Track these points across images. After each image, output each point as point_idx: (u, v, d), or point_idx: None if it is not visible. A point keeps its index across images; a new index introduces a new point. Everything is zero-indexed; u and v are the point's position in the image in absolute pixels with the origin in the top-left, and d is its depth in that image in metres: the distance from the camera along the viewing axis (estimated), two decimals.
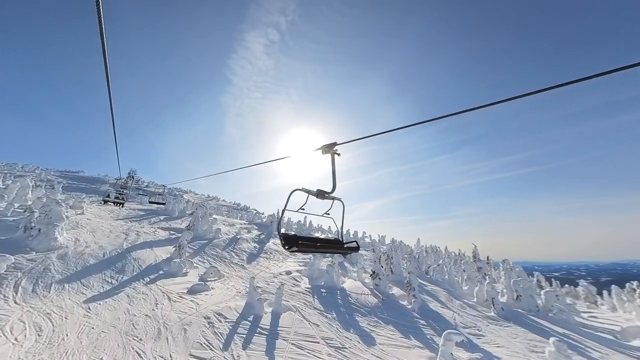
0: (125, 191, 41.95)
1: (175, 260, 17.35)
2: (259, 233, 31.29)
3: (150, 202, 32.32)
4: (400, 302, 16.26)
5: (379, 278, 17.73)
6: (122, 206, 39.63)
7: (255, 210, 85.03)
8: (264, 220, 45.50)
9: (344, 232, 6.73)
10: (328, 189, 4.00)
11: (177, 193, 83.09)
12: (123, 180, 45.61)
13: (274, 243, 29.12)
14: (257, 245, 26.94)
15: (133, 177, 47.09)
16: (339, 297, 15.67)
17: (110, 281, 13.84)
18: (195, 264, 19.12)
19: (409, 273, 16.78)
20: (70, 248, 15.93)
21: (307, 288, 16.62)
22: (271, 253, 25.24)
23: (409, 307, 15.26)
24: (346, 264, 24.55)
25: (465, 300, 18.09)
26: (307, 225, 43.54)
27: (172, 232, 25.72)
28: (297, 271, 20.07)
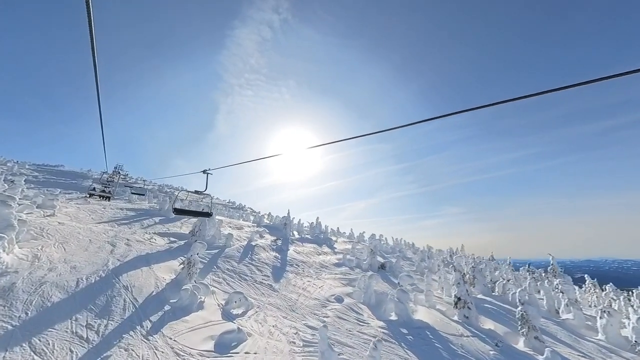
0: (111, 186, 35.31)
1: (186, 287, 11.50)
2: (274, 238, 25.56)
3: (177, 213, 13.23)
4: (514, 346, 11.10)
5: (468, 307, 12.52)
6: (109, 200, 33.13)
7: (251, 209, 78.54)
8: (269, 221, 39.64)
9: None
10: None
11: (168, 190, 75.36)
12: (109, 175, 38.81)
13: (295, 251, 23.49)
14: (277, 254, 21.26)
15: (119, 173, 40.11)
16: (437, 344, 10.32)
17: (85, 336, 7.92)
18: (211, 287, 13.32)
19: (521, 303, 11.66)
20: (22, 274, 9.79)
21: (382, 327, 11.19)
22: (298, 265, 19.62)
23: (541, 359, 10.12)
24: (392, 278, 19.23)
25: (591, 340, 13.16)
26: (319, 225, 37.95)
27: (172, 239, 19.65)
28: (347, 294, 14.59)
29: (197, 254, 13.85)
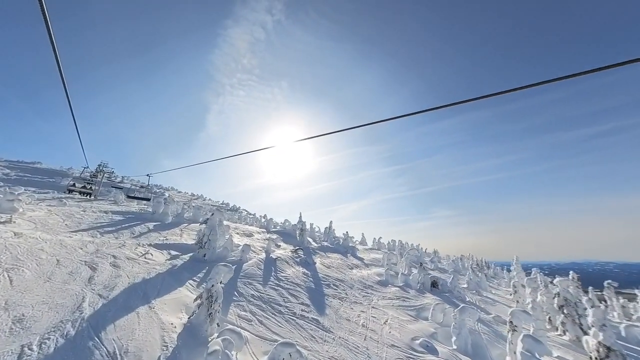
0: (93, 186, 30.05)
1: (214, 347, 6.88)
2: (294, 248, 21.01)
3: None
4: None
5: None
6: (91, 196, 28.27)
7: (246, 210, 73.33)
8: (270, 225, 34.92)
9: None
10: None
11: (158, 190, 68.97)
12: (91, 171, 33.46)
13: (323, 264, 19.05)
14: (305, 270, 16.77)
15: (103, 171, 34.55)
16: None
17: None
18: (242, 331, 8.69)
19: None
20: None
21: None
22: (336, 285, 15.19)
23: None
24: (456, 301, 15.00)
25: None
26: (332, 230, 33.57)
27: (173, 252, 14.86)
28: (431, 336, 10.25)
29: (220, 282, 9.21)
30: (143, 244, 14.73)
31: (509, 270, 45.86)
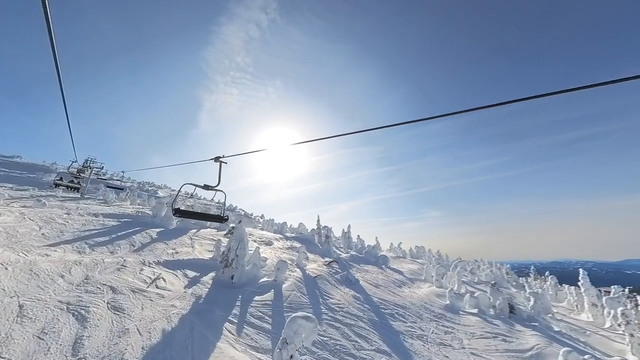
0: (81, 182, 26.02)
1: None
2: (328, 261, 17.25)
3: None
4: None
5: None
6: (78, 192, 24.93)
7: (244, 210, 68.91)
8: (287, 230, 30.99)
9: None
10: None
11: (150, 188, 63.48)
12: (79, 166, 29.28)
13: (367, 281, 15.47)
14: (354, 292, 13.09)
15: (90, 167, 30.19)
16: None
17: None
18: None
19: None
20: None
21: None
22: (403, 317, 11.57)
23: None
24: (551, 333, 11.60)
25: None
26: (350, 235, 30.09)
27: (188, 272, 10.87)
28: None
29: (301, 348, 5.40)
30: (149, 263, 10.66)
31: (522, 276, 43.32)
